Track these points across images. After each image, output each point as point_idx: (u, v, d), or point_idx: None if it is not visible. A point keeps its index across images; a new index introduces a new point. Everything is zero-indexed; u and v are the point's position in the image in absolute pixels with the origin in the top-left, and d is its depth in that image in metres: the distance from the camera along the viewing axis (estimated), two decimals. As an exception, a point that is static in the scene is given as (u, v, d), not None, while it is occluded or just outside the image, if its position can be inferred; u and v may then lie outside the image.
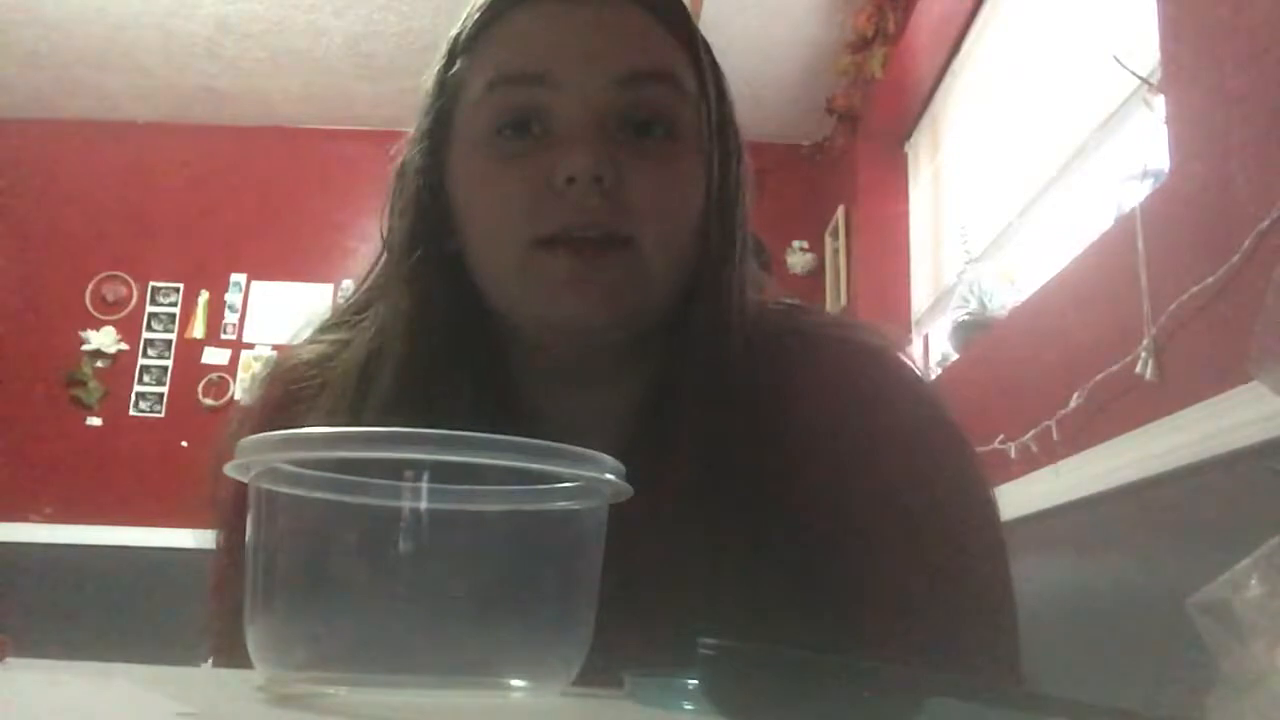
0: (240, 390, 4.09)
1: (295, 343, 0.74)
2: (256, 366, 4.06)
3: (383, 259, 0.70)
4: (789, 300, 0.74)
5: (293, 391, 0.70)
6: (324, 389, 0.68)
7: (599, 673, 0.47)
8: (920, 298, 3.39)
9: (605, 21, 0.62)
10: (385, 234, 0.69)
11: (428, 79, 0.68)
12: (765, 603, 0.61)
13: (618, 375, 0.67)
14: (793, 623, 0.61)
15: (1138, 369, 1.58)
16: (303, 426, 0.59)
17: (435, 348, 0.64)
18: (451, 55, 0.66)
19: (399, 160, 0.69)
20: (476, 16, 0.64)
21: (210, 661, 0.71)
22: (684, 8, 0.66)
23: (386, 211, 0.69)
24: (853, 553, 0.62)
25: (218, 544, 0.71)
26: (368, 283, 0.72)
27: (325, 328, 0.74)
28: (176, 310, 4.20)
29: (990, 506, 0.65)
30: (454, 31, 0.66)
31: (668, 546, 0.60)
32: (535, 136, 0.61)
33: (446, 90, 0.66)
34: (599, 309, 0.60)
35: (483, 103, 0.62)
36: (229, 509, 0.65)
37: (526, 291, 0.61)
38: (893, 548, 0.61)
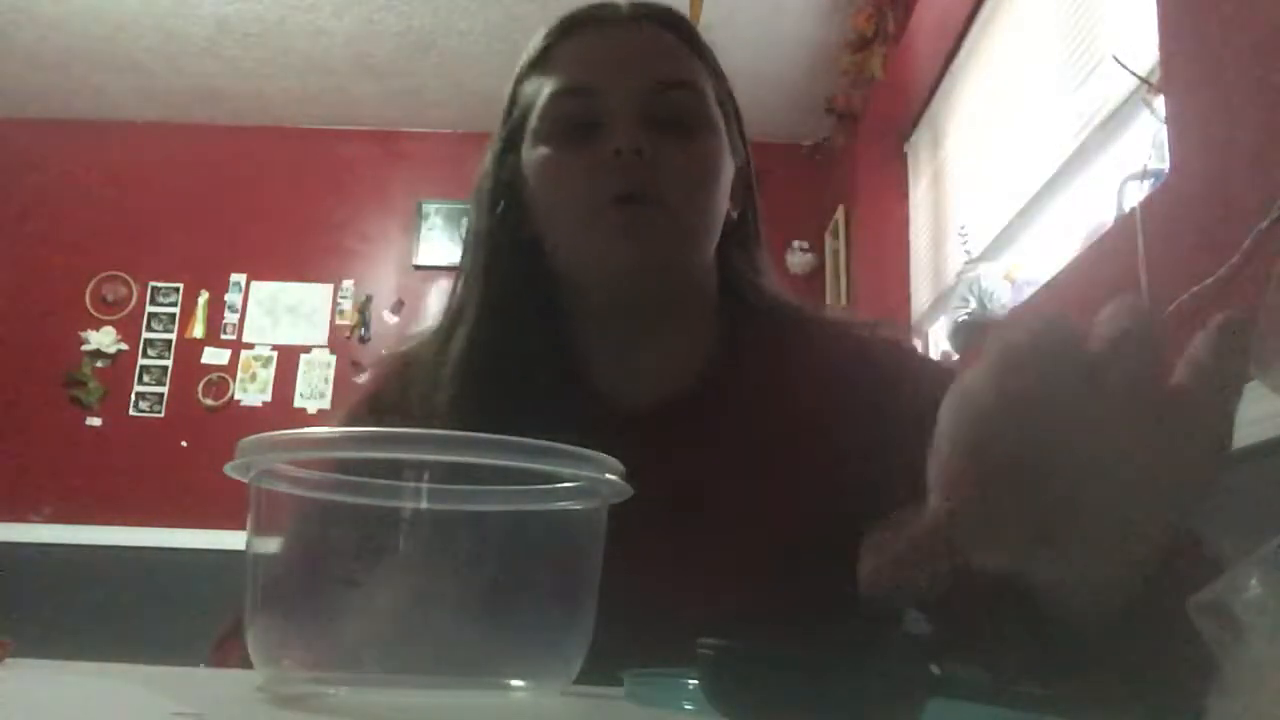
0: (240, 390, 4.09)
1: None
2: (257, 367, 4.08)
3: (469, 254, 0.83)
4: (800, 300, 0.87)
5: (392, 380, 0.83)
6: (418, 374, 0.80)
7: (599, 672, 0.47)
8: (920, 298, 3.39)
9: (636, 42, 0.79)
10: (470, 227, 0.84)
11: (502, 97, 0.84)
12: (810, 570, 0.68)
13: (665, 333, 0.80)
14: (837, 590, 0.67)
15: (1138, 369, 1.58)
16: (402, 408, 0.77)
17: (511, 318, 0.78)
18: (520, 77, 0.82)
19: (480, 165, 0.84)
20: (540, 45, 0.81)
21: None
22: (694, 27, 0.83)
23: (471, 209, 0.84)
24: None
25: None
26: (459, 283, 0.84)
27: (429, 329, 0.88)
28: (176, 310, 4.20)
29: None
30: (523, 58, 0.83)
31: (717, 498, 0.72)
32: (589, 133, 0.75)
33: (518, 105, 0.81)
34: (643, 255, 0.74)
35: (547, 111, 0.78)
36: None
37: (590, 245, 0.75)
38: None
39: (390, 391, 0.82)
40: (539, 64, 0.81)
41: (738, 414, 0.77)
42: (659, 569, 0.64)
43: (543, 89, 0.78)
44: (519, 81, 0.82)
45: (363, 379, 0.96)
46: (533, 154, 0.78)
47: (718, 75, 0.82)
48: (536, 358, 0.77)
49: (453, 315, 0.81)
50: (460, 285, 0.82)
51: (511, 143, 0.81)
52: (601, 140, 0.74)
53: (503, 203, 0.80)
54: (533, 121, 0.79)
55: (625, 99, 0.75)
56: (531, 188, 0.79)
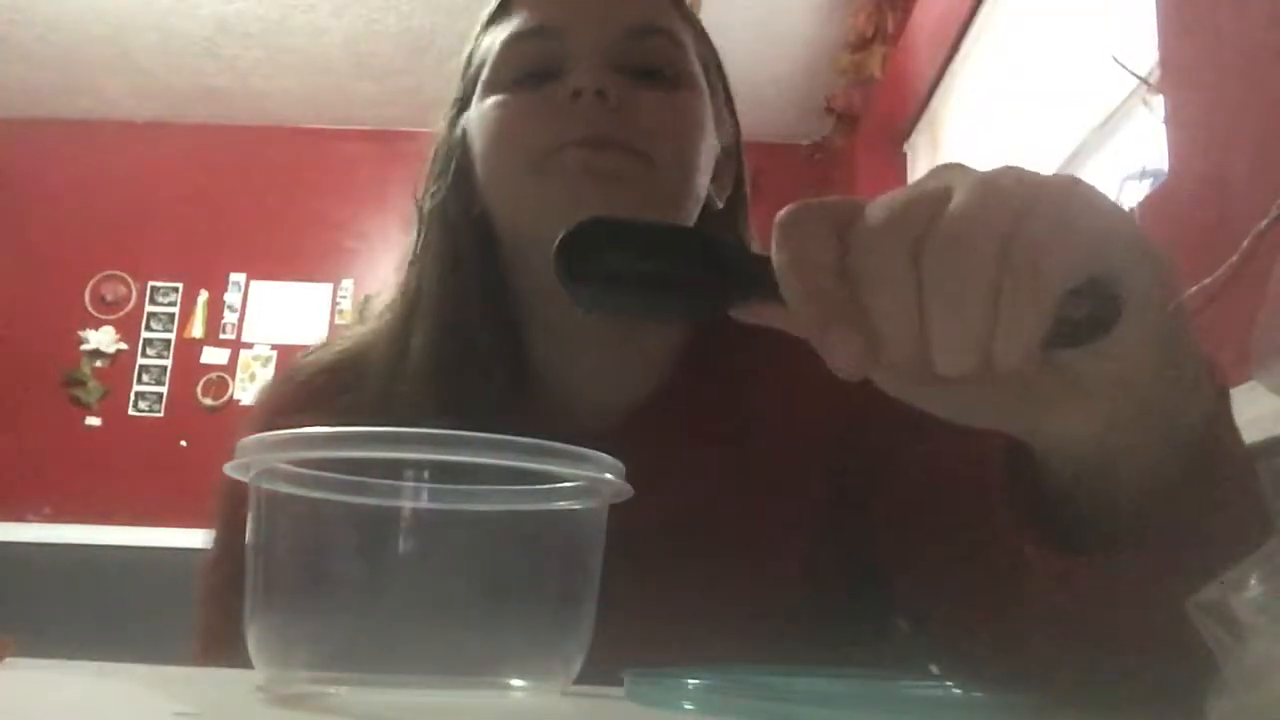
0: (240, 390, 4.09)
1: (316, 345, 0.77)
2: (257, 367, 4.07)
3: (418, 237, 0.72)
4: None
5: (306, 394, 0.72)
6: (355, 381, 0.69)
7: (599, 672, 0.47)
8: (920, 298, 3.38)
9: None
10: (418, 205, 0.72)
11: (459, 60, 0.73)
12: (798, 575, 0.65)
13: (631, 335, 0.69)
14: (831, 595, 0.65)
15: (1137, 369, 1.58)
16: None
17: (464, 312, 0.67)
18: (479, 33, 0.72)
19: (433, 136, 0.74)
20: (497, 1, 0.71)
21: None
22: None
23: (421, 185, 0.73)
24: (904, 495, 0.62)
25: (216, 547, 0.71)
26: (412, 275, 0.73)
27: (351, 326, 0.77)
28: (175, 310, 4.19)
29: None
30: (483, 13, 0.72)
31: (683, 523, 0.63)
32: (547, 79, 0.65)
33: (473, 63, 0.71)
34: (609, 206, 0.60)
35: (501, 57, 0.67)
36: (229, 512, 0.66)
37: (541, 202, 0.63)
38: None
39: (296, 405, 0.70)
40: (498, 13, 0.70)
41: (719, 421, 0.67)
42: (656, 580, 0.59)
43: (499, 37, 0.68)
44: (477, 37, 0.72)
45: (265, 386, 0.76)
46: (481, 106, 0.67)
47: (703, 38, 0.72)
48: (493, 377, 0.65)
49: (404, 317, 0.69)
50: (413, 278, 0.71)
51: (466, 103, 0.70)
52: (560, 84, 0.63)
53: (453, 168, 0.69)
54: (485, 73, 0.68)
55: (590, 40, 0.64)
56: (477, 145, 0.67)
